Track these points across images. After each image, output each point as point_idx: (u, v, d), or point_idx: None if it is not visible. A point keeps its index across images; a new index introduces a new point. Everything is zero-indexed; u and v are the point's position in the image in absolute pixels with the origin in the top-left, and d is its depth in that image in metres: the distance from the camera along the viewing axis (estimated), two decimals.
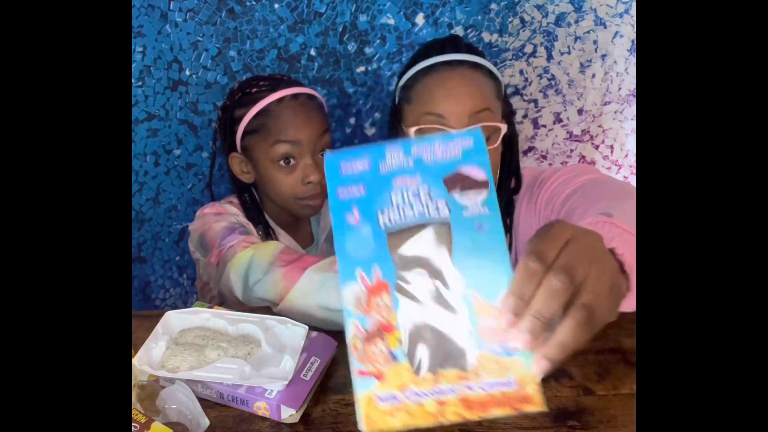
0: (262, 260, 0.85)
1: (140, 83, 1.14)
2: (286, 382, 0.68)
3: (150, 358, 0.71)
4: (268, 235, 1.08)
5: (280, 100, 1.00)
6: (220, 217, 1.01)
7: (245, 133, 1.02)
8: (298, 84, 1.05)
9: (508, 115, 1.00)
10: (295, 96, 1.01)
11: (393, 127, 1.03)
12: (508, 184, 1.02)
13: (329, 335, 0.78)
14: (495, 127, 0.93)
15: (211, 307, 0.80)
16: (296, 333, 0.75)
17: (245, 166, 1.05)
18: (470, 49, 0.99)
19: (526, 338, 0.45)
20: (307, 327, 0.75)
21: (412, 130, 0.94)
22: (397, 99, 1.01)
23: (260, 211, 1.09)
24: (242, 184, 1.07)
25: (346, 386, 0.74)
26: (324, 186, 1.04)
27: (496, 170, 1.00)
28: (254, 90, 1.02)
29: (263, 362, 0.72)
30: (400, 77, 1.01)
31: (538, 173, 1.03)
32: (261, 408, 0.68)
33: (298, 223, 1.16)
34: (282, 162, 1.00)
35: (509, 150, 1.01)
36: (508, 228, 1.05)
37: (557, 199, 0.94)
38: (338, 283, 0.74)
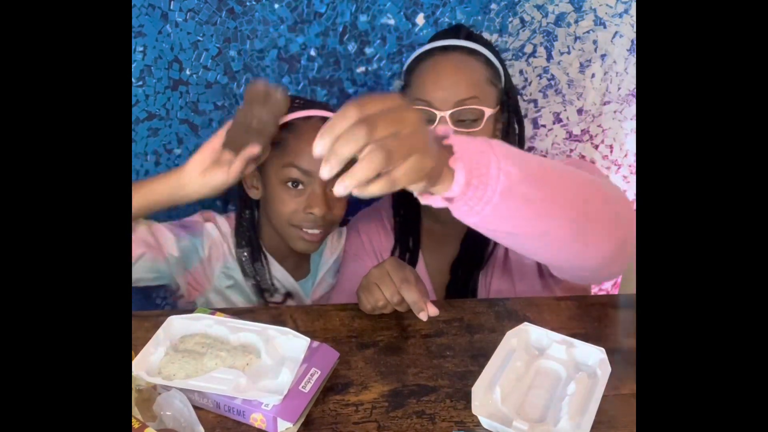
0: None
1: (141, 83, 1.14)
2: (281, 398, 0.67)
3: (148, 363, 0.71)
4: (254, 260, 1.03)
5: (308, 118, 0.97)
6: (183, 221, 1.04)
7: None
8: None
9: (508, 100, 1.03)
10: (323, 119, 0.96)
11: None
12: None
13: (332, 347, 0.77)
14: (480, 110, 0.96)
15: (213, 313, 0.80)
16: (297, 345, 0.74)
17: (256, 181, 1.02)
18: (470, 36, 1.02)
19: (323, 171, 0.53)
20: (308, 339, 0.74)
21: None
22: (402, 83, 1.06)
23: (254, 230, 1.05)
24: (248, 199, 1.04)
25: (346, 386, 0.74)
26: (328, 222, 0.99)
27: None
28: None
29: (261, 374, 0.71)
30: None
31: None
32: (257, 420, 0.67)
33: (294, 257, 1.09)
34: (290, 184, 0.97)
35: (506, 134, 1.04)
36: None
37: None
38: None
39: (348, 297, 1.03)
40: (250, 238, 1.04)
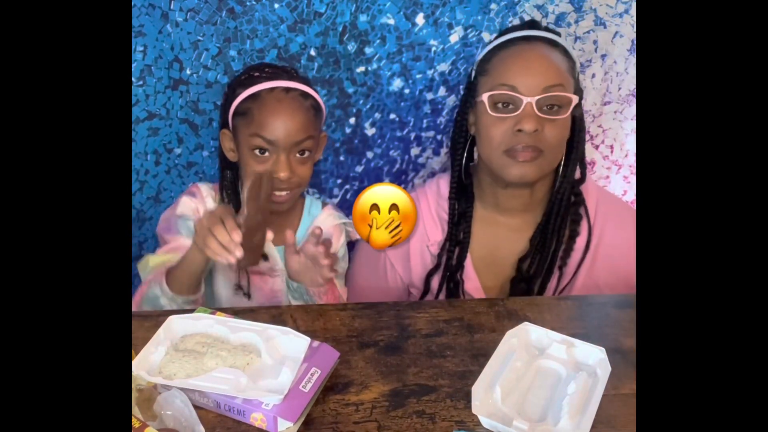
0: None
1: (141, 82, 1.14)
2: (281, 397, 0.67)
3: (148, 363, 0.71)
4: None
5: (272, 89, 1.02)
6: (179, 201, 1.08)
7: (235, 113, 1.04)
8: (302, 81, 1.06)
9: (579, 95, 1.04)
10: (287, 90, 1.02)
11: (466, 101, 1.08)
12: (573, 171, 1.05)
13: (332, 346, 0.77)
14: (567, 98, 0.98)
15: (213, 313, 0.80)
16: (297, 344, 0.74)
17: (232, 144, 1.08)
18: (548, 30, 1.05)
19: None
20: (308, 339, 0.74)
21: (485, 96, 0.99)
22: (473, 74, 1.07)
23: (234, 189, 1.11)
24: (228, 162, 1.10)
25: (347, 386, 0.74)
26: (294, 184, 1.04)
27: (563, 148, 1.02)
28: (256, 74, 1.05)
29: (261, 373, 0.71)
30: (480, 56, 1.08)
31: None
32: (258, 419, 0.67)
33: (275, 222, 1.10)
34: (256, 151, 1.02)
35: (574, 135, 1.04)
36: (581, 218, 1.06)
37: None
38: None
39: (364, 272, 1.12)
40: (230, 197, 1.11)
